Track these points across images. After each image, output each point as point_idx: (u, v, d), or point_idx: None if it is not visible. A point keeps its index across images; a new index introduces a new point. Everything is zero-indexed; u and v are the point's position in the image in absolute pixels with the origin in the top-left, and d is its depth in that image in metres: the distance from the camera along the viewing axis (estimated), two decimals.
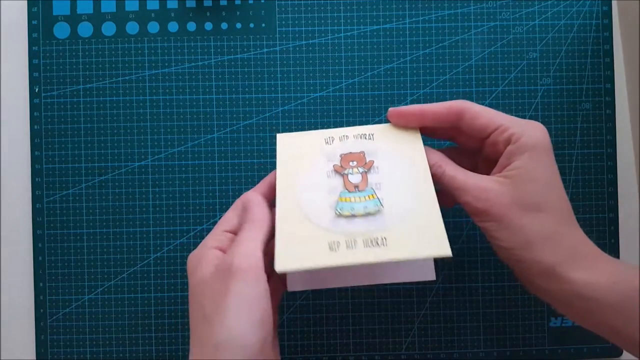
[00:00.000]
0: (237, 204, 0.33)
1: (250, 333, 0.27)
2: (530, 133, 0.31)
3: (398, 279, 0.31)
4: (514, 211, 0.30)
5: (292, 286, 0.32)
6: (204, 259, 0.30)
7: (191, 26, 0.42)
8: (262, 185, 0.35)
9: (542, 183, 0.30)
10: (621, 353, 0.41)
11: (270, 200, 0.34)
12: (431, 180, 0.32)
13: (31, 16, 0.41)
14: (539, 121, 0.38)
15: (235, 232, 0.32)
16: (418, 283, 0.41)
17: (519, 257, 0.30)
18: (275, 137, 0.41)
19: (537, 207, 0.30)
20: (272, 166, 0.41)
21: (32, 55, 0.41)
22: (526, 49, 0.42)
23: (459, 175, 0.32)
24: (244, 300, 0.27)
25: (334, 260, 0.29)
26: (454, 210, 0.42)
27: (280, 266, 0.28)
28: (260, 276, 0.28)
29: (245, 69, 0.41)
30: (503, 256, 0.32)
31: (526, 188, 0.30)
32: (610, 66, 0.42)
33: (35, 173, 0.41)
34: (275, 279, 0.34)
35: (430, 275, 0.31)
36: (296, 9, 0.42)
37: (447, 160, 0.33)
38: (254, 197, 0.33)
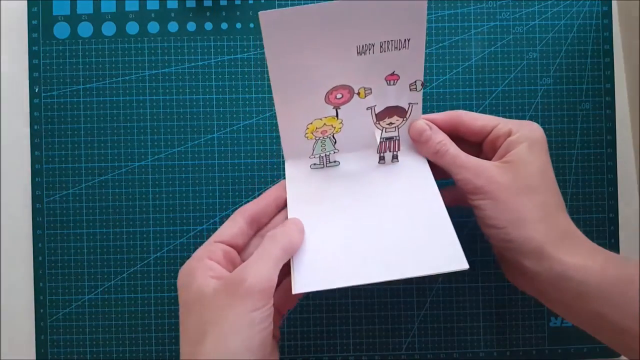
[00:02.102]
0: (236, 217, 0.33)
1: (248, 357, 0.27)
2: (528, 128, 0.33)
3: (424, 272, 0.29)
4: (510, 191, 0.31)
5: (301, 288, 0.29)
6: (199, 271, 0.30)
7: (191, 26, 0.42)
8: (265, 198, 0.34)
9: (538, 170, 0.32)
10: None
11: (271, 214, 0.34)
12: (440, 197, 0.32)
13: (31, 16, 0.41)
14: (538, 121, 0.40)
15: (228, 244, 0.32)
16: (418, 283, 0.41)
17: (511, 237, 0.31)
18: (274, 138, 0.41)
19: (532, 190, 0.31)
20: (272, 166, 0.41)
21: (32, 55, 0.41)
22: (526, 49, 0.42)
23: (461, 154, 0.33)
24: (248, 322, 0.27)
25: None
26: (454, 210, 0.41)
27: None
28: (269, 299, 0.28)
29: (245, 69, 0.41)
30: (493, 237, 0.32)
31: (523, 172, 0.32)
32: (610, 66, 0.42)
33: (35, 173, 0.41)
34: (283, 292, 0.34)
35: (460, 263, 0.29)
36: None
37: (451, 141, 0.34)
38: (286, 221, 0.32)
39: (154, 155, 0.41)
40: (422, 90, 0.33)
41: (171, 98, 0.41)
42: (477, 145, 0.35)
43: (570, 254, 0.30)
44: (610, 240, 0.42)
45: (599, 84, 0.42)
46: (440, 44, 0.42)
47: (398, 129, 0.34)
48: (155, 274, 0.41)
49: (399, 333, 0.41)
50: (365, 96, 0.32)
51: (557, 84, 0.42)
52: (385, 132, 0.34)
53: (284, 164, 0.35)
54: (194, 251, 0.41)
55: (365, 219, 0.32)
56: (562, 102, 0.42)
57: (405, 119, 0.34)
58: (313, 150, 0.34)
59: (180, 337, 0.30)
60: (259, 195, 0.41)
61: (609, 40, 0.42)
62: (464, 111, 0.35)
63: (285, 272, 0.36)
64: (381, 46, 0.30)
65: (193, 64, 0.42)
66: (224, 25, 0.42)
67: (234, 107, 0.42)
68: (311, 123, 0.33)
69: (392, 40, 0.30)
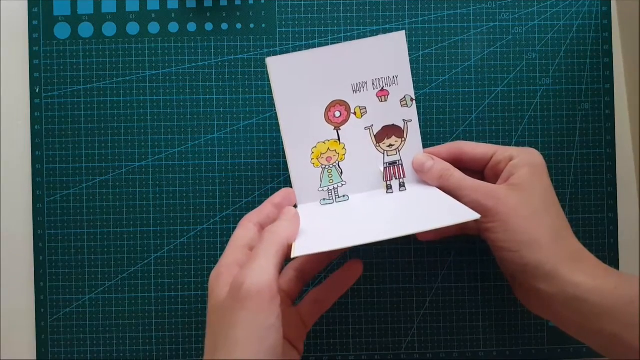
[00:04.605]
0: (245, 224, 0.32)
1: None
2: (528, 153, 0.34)
3: (434, 226, 0.29)
4: (520, 212, 0.31)
5: (301, 251, 0.28)
6: (222, 278, 0.29)
7: (191, 27, 0.42)
8: (266, 206, 0.33)
9: (543, 192, 0.32)
10: None
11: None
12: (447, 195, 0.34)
13: (32, 16, 0.41)
14: (537, 121, 0.40)
15: (250, 249, 0.31)
16: (418, 282, 0.41)
17: (525, 260, 0.31)
18: (275, 138, 0.42)
19: (540, 211, 0.32)
20: (272, 166, 0.41)
21: (32, 55, 0.41)
22: (525, 49, 0.42)
23: (467, 178, 0.34)
24: (252, 332, 0.26)
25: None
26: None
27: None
28: (272, 301, 0.26)
29: (246, 70, 0.42)
30: (507, 261, 0.32)
31: (529, 194, 0.32)
32: (609, 66, 0.42)
33: (35, 173, 0.41)
34: (309, 303, 0.34)
35: (471, 214, 0.29)
36: (296, 9, 0.42)
37: (455, 168, 0.34)
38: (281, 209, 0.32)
39: (154, 156, 0.42)
40: (414, 107, 0.35)
41: (172, 98, 0.42)
42: (479, 172, 0.36)
43: (584, 275, 0.30)
44: (609, 240, 0.42)
45: (598, 84, 0.42)
46: (440, 45, 0.42)
47: (399, 151, 0.35)
48: (156, 273, 0.41)
49: (399, 332, 0.41)
50: (362, 115, 0.35)
51: (556, 84, 0.42)
52: (387, 155, 0.35)
53: (284, 164, 0.36)
54: (194, 251, 0.41)
55: (371, 208, 0.34)
56: (561, 103, 0.42)
57: (403, 139, 0.35)
58: (321, 182, 0.35)
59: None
60: (258, 195, 0.41)
61: (609, 40, 0.42)
62: (464, 141, 0.36)
63: (308, 278, 0.36)
64: (373, 83, 0.34)
65: (193, 64, 0.42)
66: (225, 26, 0.42)
67: (234, 107, 0.42)
68: (315, 147, 0.35)
69: (382, 78, 0.34)
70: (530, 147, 0.41)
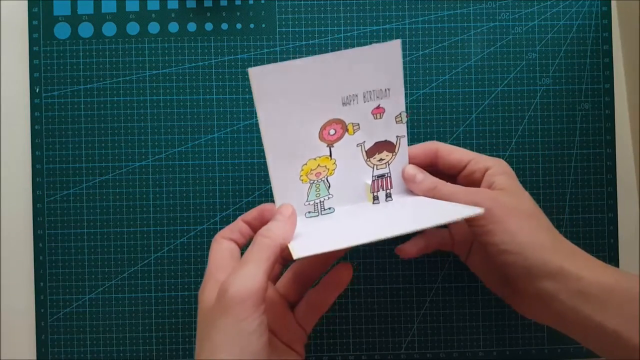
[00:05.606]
0: (218, 239, 0.33)
1: None
2: (501, 163, 0.34)
3: (436, 223, 0.29)
4: (518, 212, 0.32)
5: (301, 252, 0.28)
6: (206, 286, 0.30)
7: (191, 27, 0.42)
8: (237, 222, 0.34)
9: (529, 197, 0.33)
10: None
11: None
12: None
13: (32, 16, 0.41)
14: (537, 121, 0.41)
15: (233, 255, 0.32)
16: (418, 283, 0.41)
17: (528, 260, 0.31)
18: None
19: (536, 213, 0.32)
20: None
21: (32, 55, 0.41)
22: (525, 49, 0.42)
23: (459, 186, 0.34)
24: (233, 338, 0.26)
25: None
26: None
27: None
28: (255, 308, 0.27)
29: (246, 70, 0.42)
30: (509, 265, 0.31)
31: (520, 197, 0.33)
32: (609, 66, 0.42)
33: (36, 173, 0.41)
34: (306, 306, 0.34)
35: (474, 210, 0.29)
36: (296, 9, 0.42)
37: (445, 182, 0.34)
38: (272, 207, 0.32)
39: (154, 155, 0.42)
40: (406, 122, 0.34)
41: (172, 98, 0.42)
42: (452, 178, 0.35)
43: (586, 269, 0.30)
44: (609, 240, 0.42)
45: (598, 84, 0.42)
46: (440, 45, 0.42)
47: (388, 165, 0.35)
48: (156, 273, 0.41)
49: (399, 332, 0.41)
50: (354, 132, 0.33)
51: (556, 84, 0.42)
52: (377, 169, 0.35)
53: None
54: (194, 251, 0.41)
55: (360, 217, 0.33)
56: (561, 102, 0.42)
57: (394, 153, 0.34)
58: (307, 197, 0.34)
59: None
60: (258, 195, 0.41)
61: (608, 40, 0.42)
62: (439, 143, 0.35)
63: (306, 282, 0.35)
64: (364, 96, 0.32)
65: (193, 64, 0.42)
66: (224, 26, 0.42)
67: (234, 107, 0.42)
68: (305, 164, 0.33)
69: (373, 90, 0.32)
70: (530, 147, 0.42)
